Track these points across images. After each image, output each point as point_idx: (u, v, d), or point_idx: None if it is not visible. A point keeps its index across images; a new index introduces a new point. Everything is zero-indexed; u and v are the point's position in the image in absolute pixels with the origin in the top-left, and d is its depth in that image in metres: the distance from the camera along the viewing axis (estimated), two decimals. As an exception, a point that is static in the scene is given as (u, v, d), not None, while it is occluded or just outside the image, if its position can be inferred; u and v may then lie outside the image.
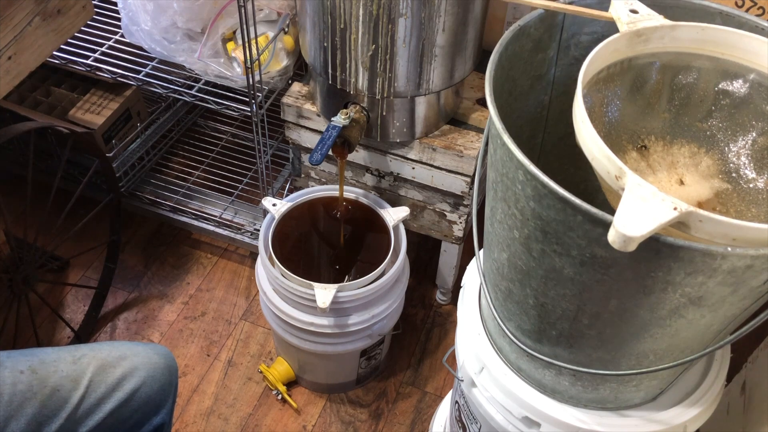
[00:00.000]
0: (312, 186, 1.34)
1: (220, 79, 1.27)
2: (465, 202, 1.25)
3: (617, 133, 0.72)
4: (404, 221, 1.24)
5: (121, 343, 0.90)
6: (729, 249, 0.53)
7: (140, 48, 1.32)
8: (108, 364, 0.84)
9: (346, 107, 1.14)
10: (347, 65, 1.08)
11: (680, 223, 0.53)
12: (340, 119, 1.11)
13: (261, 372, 1.39)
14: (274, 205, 1.23)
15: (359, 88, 1.11)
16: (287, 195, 1.33)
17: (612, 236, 0.51)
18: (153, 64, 1.40)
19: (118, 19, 1.36)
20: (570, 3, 0.73)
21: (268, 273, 1.17)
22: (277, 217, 1.22)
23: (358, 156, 1.27)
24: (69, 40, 1.31)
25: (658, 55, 0.70)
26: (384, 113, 1.14)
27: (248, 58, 1.14)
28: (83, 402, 0.81)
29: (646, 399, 0.83)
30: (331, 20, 1.03)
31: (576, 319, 0.69)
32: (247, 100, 1.25)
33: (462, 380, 0.93)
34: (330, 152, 1.18)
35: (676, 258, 0.55)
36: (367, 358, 1.32)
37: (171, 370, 0.90)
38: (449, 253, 1.41)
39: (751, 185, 0.70)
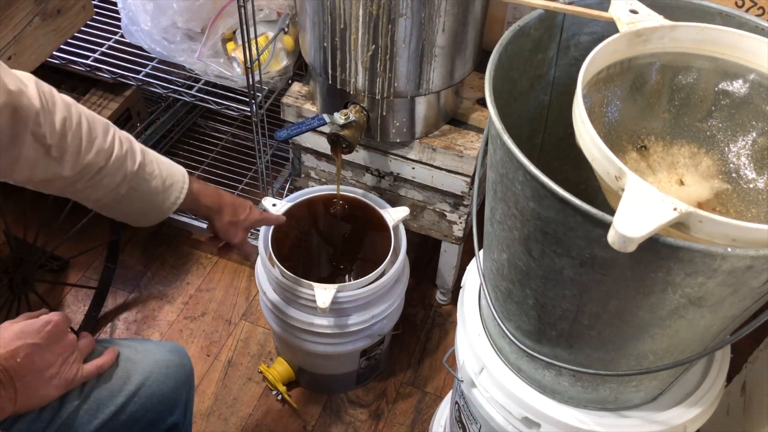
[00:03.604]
0: (312, 186, 1.34)
1: (220, 79, 1.27)
2: (465, 202, 1.25)
3: (617, 133, 0.72)
4: (404, 221, 1.24)
5: (133, 340, 0.90)
6: (729, 250, 0.53)
7: (140, 48, 1.32)
8: (120, 357, 0.84)
9: (346, 107, 1.14)
10: (347, 65, 1.08)
11: (680, 224, 0.53)
12: (335, 118, 1.11)
13: (261, 372, 1.39)
14: (274, 205, 1.23)
15: (359, 88, 1.11)
16: (287, 195, 1.33)
17: (612, 237, 0.51)
18: (153, 64, 1.40)
19: (118, 19, 1.36)
20: (570, 3, 0.73)
21: (268, 273, 1.17)
22: (277, 217, 1.22)
23: (358, 156, 1.27)
24: (69, 40, 1.31)
25: (657, 56, 0.70)
26: (384, 113, 1.14)
27: (248, 58, 1.14)
28: (94, 391, 0.80)
29: (646, 399, 0.83)
30: (330, 20, 1.03)
31: (576, 320, 0.69)
32: (247, 100, 1.25)
33: (462, 381, 0.93)
34: (329, 152, 1.18)
35: (676, 258, 0.55)
36: (367, 358, 1.32)
37: (185, 368, 0.90)
38: (449, 253, 1.41)
39: (751, 185, 0.70)
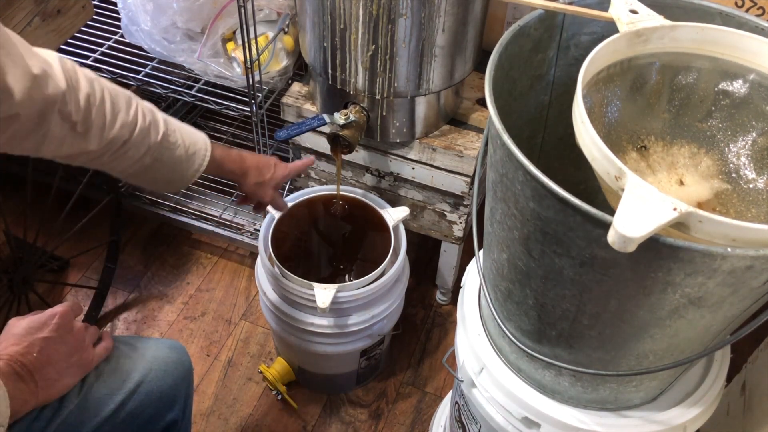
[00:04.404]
0: (312, 186, 1.34)
1: (220, 79, 1.27)
2: (465, 202, 1.25)
3: (617, 133, 0.72)
4: (404, 221, 1.24)
5: (132, 338, 0.90)
6: (729, 250, 0.53)
7: (140, 48, 1.32)
8: (119, 355, 0.84)
9: (346, 107, 1.14)
10: (347, 65, 1.08)
11: (680, 224, 0.53)
12: (335, 118, 1.11)
13: (261, 372, 1.39)
14: (274, 205, 1.23)
15: (359, 89, 1.11)
16: (287, 195, 1.33)
17: (612, 237, 0.51)
18: (153, 64, 1.40)
19: (118, 19, 1.36)
20: (570, 3, 0.73)
21: (268, 273, 1.17)
22: (276, 217, 1.22)
23: (358, 156, 1.27)
24: (69, 40, 1.31)
25: (657, 56, 0.70)
26: (384, 113, 1.14)
27: (248, 58, 1.14)
28: (93, 389, 0.80)
29: (646, 399, 0.83)
30: (330, 20, 1.03)
31: (576, 320, 0.69)
32: (247, 100, 1.25)
33: (462, 381, 0.93)
34: (329, 152, 1.18)
35: (676, 258, 0.55)
36: (367, 358, 1.32)
37: (184, 365, 0.90)
38: (449, 253, 1.41)
39: (751, 185, 0.70)
